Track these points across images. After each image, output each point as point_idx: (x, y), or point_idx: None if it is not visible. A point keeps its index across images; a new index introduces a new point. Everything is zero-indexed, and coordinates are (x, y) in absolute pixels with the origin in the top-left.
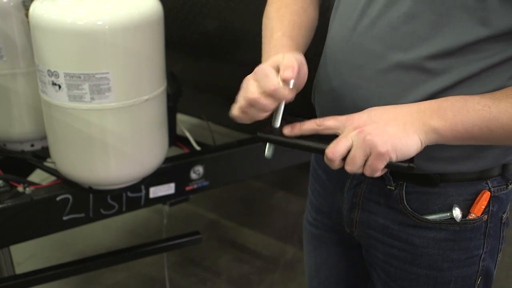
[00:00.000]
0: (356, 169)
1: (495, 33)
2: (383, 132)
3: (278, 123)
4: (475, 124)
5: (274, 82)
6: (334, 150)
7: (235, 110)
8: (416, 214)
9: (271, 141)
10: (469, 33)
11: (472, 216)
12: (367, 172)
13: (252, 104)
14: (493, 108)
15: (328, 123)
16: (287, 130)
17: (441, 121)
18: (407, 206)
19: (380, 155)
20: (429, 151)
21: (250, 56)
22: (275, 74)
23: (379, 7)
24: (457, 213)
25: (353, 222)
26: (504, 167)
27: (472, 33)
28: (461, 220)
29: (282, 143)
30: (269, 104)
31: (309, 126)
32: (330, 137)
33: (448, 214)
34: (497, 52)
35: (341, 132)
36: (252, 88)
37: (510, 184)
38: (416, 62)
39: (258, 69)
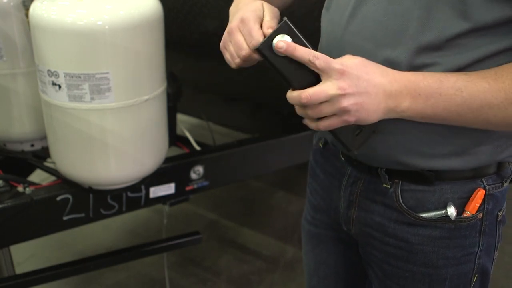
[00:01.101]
0: (313, 116)
1: (475, 27)
2: (360, 105)
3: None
4: (445, 108)
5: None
6: (312, 98)
7: (233, 65)
8: (411, 212)
9: (264, 57)
10: (452, 28)
11: (466, 214)
12: (320, 125)
13: (246, 60)
14: (465, 93)
15: (320, 65)
16: (280, 45)
17: (412, 104)
18: (403, 204)
19: (345, 121)
20: (419, 148)
21: None
22: (259, 30)
23: (368, 5)
24: (451, 211)
25: (350, 220)
26: (499, 165)
27: (454, 27)
28: (455, 218)
29: (271, 62)
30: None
31: (302, 55)
32: (312, 73)
33: (443, 212)
34: (481, 45)
35: (325, 78)
36: (243, 45)
37: (506, 182)
38: (403, 58)
39: (243, 21)
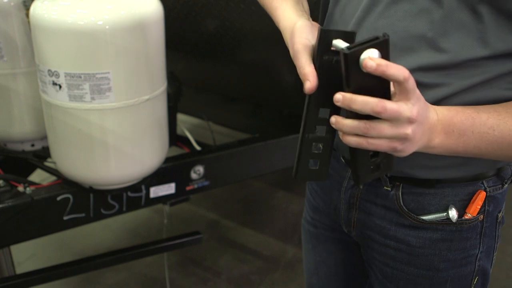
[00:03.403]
0: (367, 132)
1: (493, 54)
2: (414, 135)
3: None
4: (476, 146)
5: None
6: (386, 111)
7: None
8: (412, 214)
9: (345, 65)
10: (467, 52)
11: (468, 216)
12: (366, 142)
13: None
14: (497, 132)
15: (409, 86)
16: (370, 64)
17: (444, 141)
18: (404, 207)
19: (393, 148)
20: (422, 161)
21: (250, 56)
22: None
23: (376, 18)
24: (453, 213)
25: (351, 223)
26: (499, 167)
27: (469, 52)
28: (457, 220)
29: (348, 71)
30: None
31: (395, 74)
32: (382, 87)
33: (444, 214)
34: (490, 68)
35: (402, 99)
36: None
37: (506, 184)
38: None
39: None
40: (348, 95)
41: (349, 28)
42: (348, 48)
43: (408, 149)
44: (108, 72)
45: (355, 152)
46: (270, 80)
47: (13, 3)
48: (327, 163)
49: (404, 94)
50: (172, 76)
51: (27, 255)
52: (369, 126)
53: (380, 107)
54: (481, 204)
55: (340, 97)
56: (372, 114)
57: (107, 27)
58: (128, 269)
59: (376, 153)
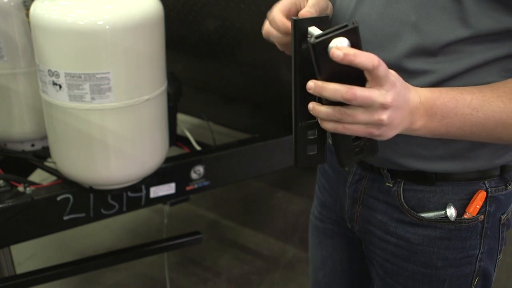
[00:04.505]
0: (341, 118)
1: (474, 34)
2: (391, 120)
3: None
4: (459, 127)
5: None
6: (356, 98)
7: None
8: (412, 211)
9: (314, 54)
10: (449, 34)
11: (467, 215)
12: (341, 127)
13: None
14: (481, 113)
15: (380, 72)
16: (337, 54)
17: (427, 123)
18: (404, 204)
19: (369, 133)
20: (415, 150)
21: (250, 56)
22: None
23: (365, 8)
24: (451, 211)
25: (354, 218)
26: (503, 167)
27: (451, 33)
28: (455, 219)
29: (318, 60)
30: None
31: (363, 62)
32: (356, 75)
33: (443, 212)
34: (477, 52)
35: (375, 86)
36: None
37: (510, 185)
38: (396, 62)
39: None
40: (320, 83)
41: (345, 22)
42: (316, 37)
43: (386, 134)
44: (108, 72)
45: (336, 135)
46: (270, 80)
47: (13, 3)
48: (324, 146)
49: (376, 81)
50: (172, 76)
51: (27, 255)
52: (343, 112)
53: (350, 94)
54: (481, 204)
55: (312, 84)
56: (343, 101)
57: (107, 27)
58: (128, 269)
59: (358, 136)
